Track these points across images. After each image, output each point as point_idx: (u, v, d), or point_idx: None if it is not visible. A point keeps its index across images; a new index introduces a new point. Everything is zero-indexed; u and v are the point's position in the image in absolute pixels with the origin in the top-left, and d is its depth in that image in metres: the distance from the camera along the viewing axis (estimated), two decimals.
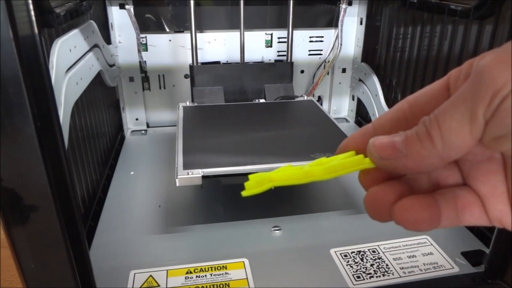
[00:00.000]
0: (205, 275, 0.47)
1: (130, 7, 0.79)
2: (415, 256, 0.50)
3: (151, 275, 0.47)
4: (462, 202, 0.19)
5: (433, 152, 0.17)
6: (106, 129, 0.75)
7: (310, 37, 0.89)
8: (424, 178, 0.20)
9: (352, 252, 0.51)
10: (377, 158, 0.18)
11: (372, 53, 0.85)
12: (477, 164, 0.19)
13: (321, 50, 0.91)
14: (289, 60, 0.81)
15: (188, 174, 0.49)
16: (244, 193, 0.20)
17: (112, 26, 0.79)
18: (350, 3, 0.86)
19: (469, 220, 0.19)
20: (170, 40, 0.84)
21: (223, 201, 0.63)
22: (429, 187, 0.20)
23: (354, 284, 0.46)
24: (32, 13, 0.27)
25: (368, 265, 0.49)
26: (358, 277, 0.47)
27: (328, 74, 0.93)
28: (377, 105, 0.81)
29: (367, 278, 0.47)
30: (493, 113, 0.15)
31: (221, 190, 0.65)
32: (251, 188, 0.20)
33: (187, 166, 0.51)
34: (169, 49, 0.85)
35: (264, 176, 0.20)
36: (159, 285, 0.46)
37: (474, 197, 0.19)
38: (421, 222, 0.18)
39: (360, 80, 0.89)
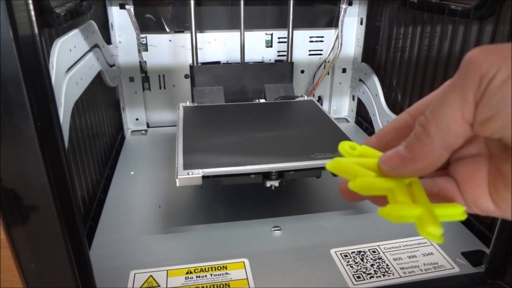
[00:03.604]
0: (205, 275, 0.47)
1: (130, 7, 0.79)
2: (415, 256, 0.50)
3: (151, 275, 0.47)
4: (438, 188, 0.20)
5: (433, 144, 0.18)
6: (106, 129, 0.75)
7: (310, 37, 0.89)
8: None
9: (352, 252, 0.51)
10: (388, 170, 0.19)
11: (372, 53, 0.85)
12: (462, 156, 0.20)
13: (321, 50, 0.91)
14: (289, 60, 0.81)
15: (188, 174, 0.49)
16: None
17: (112, 26, 0.79)
18: (350, 3, 0.86)
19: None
20: (170, 40, 0.84)
21: (223, 201, 0.63)
22: None
23: (354, 284, 0.46)
24: (32, 13, 0.27)
25: (368, 265, 0.49)
26: (359, 277, 0.47)
27: (328, 74, 0.93)
28: (377, 105, 0.81)
29: (367, 278, 0.47)
30: (482, 95, 0.16)
31: (221, 190, 0.65)
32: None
33: (187, 166, 0.51)
34: (169, 49, 0.85)
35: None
36: (159, 285, 0.46)
37: (450, 185, 0.20)
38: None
39: (360, 80, 0.89)
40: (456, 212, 0.19)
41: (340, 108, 0.98)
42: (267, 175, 0.52)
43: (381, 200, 0.20)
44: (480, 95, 0.16)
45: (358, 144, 0.22)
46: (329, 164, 0.20)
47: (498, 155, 0.19)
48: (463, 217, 0.19)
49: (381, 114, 0.79)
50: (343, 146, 0.21)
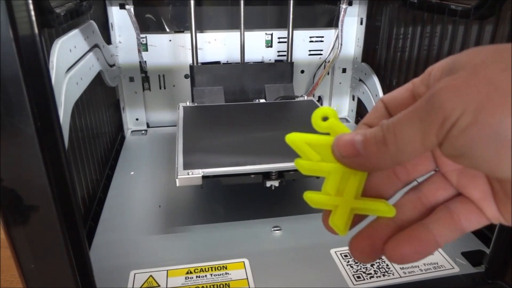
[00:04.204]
0: (205, 275, 0.47)
1: (130, 7, 0.79)
2: None
3: (151, 275, 0.47)
4: (458, 214, 0.20)
5: (387, 155, 0.18)
6: (106, 129, 0.75)
7: (310, 37, 0.89)
8: (412, 207, 0.21)
9: None
10: (338, 156, 0.20)
11: (372, 53, 0.85)
12: (464, 172, 0.20)
13: (321, 50, 0.91)
14: (289, 60, 0.81)
15: (188, 174, 0.49)
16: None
17: (112, 26, 0.79)
18: (350, 3, 0.86)
19: (469, 227, 0.20)
20: (170, 40, 0.84)
21: (223, 201, 0.63)
22: (421, 214, 0.21)
23: (354, 284, 0.46)
24: (32, 13, 0.27)
25: (368, 265, 0.48)
26: (359, 277, 0.47)
27: (328, 74, 0.93)
28: None
29: (367, 278, 0.47)
30: (445, 136, 0.16)
31: (221, 190, 0.65)
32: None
33: (187, 166, 0.51)
34: (169, 49, 0.85)
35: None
36: (159, 285, 0.46)
37: (466, 206, 0.20)
38: (412, 256, 0.19)
39: (360, 80, 0.89)
40: (381, 209, 0.20)
41: (340, 108, 0.98)
42: (267, 175, 0.52)
43: None
44: (443, 137, 0.16)
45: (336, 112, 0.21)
46: (287, 136, 0.21)
47: None
48: (391, 214, 0.20)
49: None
50: (317, 114, 0.21)
